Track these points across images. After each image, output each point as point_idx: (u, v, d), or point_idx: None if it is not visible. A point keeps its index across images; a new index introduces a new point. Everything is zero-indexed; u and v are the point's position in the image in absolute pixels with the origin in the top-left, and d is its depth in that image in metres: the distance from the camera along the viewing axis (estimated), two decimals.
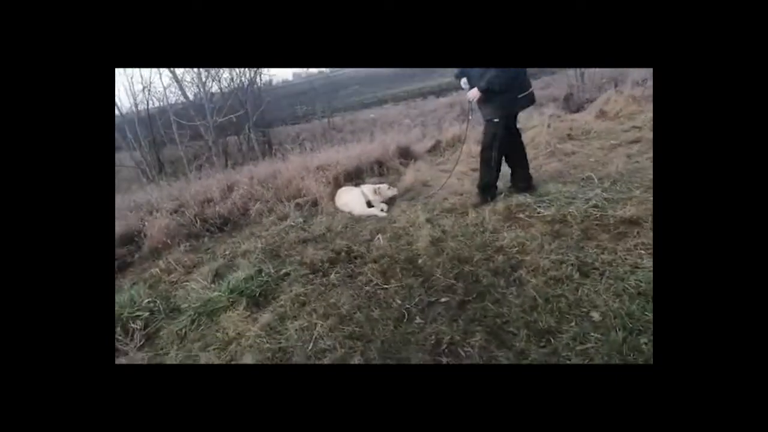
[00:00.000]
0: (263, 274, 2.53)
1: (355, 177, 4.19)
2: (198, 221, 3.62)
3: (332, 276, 2.44)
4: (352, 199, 3.52)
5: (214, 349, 1.98)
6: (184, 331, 2.17)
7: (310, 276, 2.47)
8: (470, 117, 3.50)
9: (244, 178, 4.48)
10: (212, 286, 2.52)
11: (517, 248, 2.36)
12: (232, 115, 8.22)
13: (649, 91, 5.44)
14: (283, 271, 2.57)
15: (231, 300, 2.30)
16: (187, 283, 2.63)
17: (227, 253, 3.05)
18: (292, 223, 3.36)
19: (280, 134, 13.29)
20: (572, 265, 2.07)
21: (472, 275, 2.18)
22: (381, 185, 3.55)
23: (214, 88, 9.51)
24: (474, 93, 2.90)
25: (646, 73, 6.40)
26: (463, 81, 3.02)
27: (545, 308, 1.79)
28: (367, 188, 3.52)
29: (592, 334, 1.60)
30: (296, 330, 1.96)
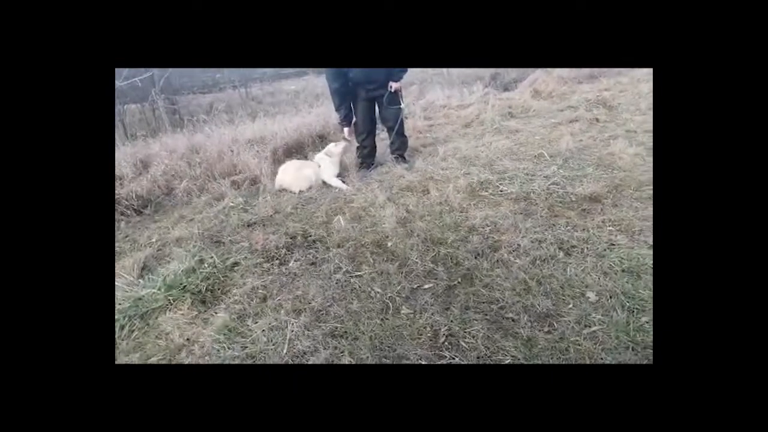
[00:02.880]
0: (206, 265, 2.14)
1: (296, 152, 3.82)
2: None
3: (292, 264, 2.14)
4: (310, 173, 3.18)
5: (158, 360, 1.60)
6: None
7: (266, 265, 2.14)
8: (403, 104, 3.37)
9: (162, 152, 3.85)
10: (141, 281, 2.07)
11: (490, 227, 2.27)
12: (136, 78, 7.08)
13: (576, 72, 5.76)
14: (231, 260, 2.20)
15: (170, 298, 1.90)
16: None
17: (154, 241, 2.55)
18: (232, 204, 2.93)
19: (190, 103, 11.99)
20: (552, 243, 2.03)
21: (450, 258, 2.04)
22: (328, 147, 3.30)
23: None
24: (397, 85, 3.21)
25: None
26: (346, 130, 3.38)
27: (539, 290, 1.72)
28: (319, 157, 3.22)
29: (594, 315, 1.55)
30: (263, 331, 1.65)
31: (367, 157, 3.48)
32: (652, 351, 1.32)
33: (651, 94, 4.70)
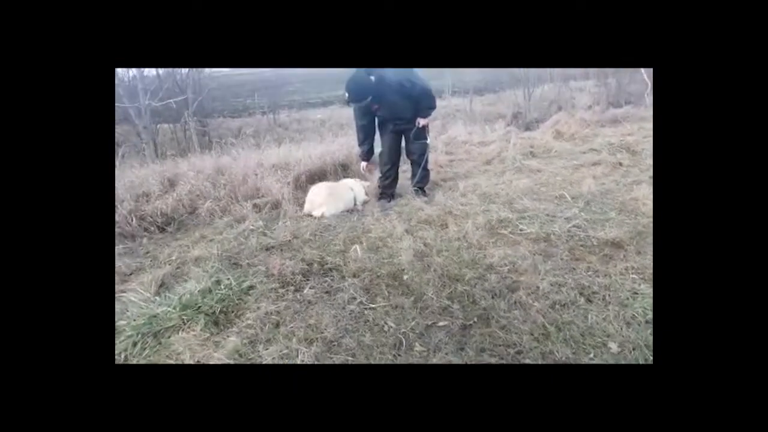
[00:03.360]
0: (222, 286, 2.15)
1: (319, 179, 3.88)
2: (134, 218, 3.09)
3: (306, 291, 2.13)
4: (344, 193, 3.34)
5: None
6: (123, 355, 1.74)
7: (280, 290, 2.14)
8: (428, 140, 3.44)
9: (189, 171, 3.97)
10: (157, 299, 2.09)
11: (508, 267, 2.23)
12: (171, 100, 7.40)
13: (599, 116, 5.77)
14: (247, 283, 2.20)
15: (184, 318, 1.91)
16: (124, 294, 2.17)
17: (173, 258, 2.60)
18: (252, 227, 2.97)
19: (220, 126, 12.43)
20: (572, 288, 1.98)
21: (467, 296, 2.00)
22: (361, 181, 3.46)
23: (149, 68, 8.56)
24: (425, 121, 3.25)
25: (592, 100, 6.80)
26: (364, 164, 3.54)
27: (558, 336, 1.66)
28: (352, 182, 3.39)
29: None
30: (273, 359, 1.64)
31: (388, 188, 3.52)
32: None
33: None
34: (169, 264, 2.51)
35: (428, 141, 3.38)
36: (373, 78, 3.00)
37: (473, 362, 1.56)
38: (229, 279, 2.21)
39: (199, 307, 1.96)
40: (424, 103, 3.19)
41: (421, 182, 3.52)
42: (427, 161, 3.45)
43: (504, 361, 1.56)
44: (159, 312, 1.96)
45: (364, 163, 3.51)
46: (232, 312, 1.98)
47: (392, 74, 3.04)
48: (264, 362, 1.62)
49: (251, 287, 2.18)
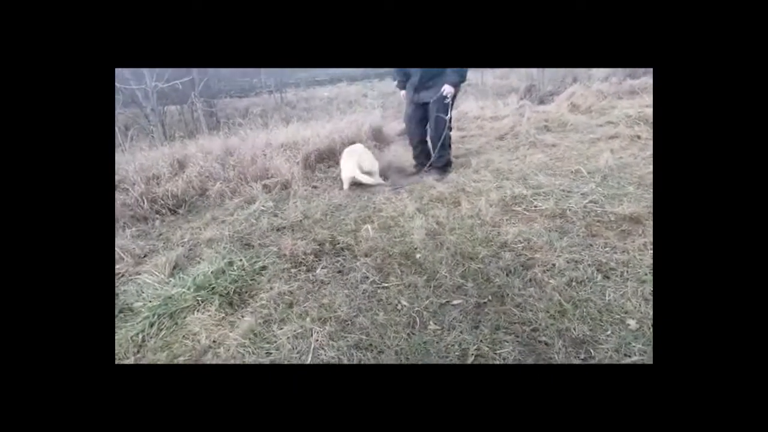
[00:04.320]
0: (235, 267, 2.16)
1: (327, 158, 3.84)
2: (145, 201, 3.10)
3: (319, 271, 2.13)
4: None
5: (184, 360, 1.61)
6: (141, 336, 1.76)
7: (293, 270, 2.14)
8: (451, 111, 3.28)
9: (198, 153, 3.95)
10: (171, 280, 2.11)
11: (523, 244, 2.19)
12: (177, 81, 7.34)
13: (617, 87, 5.57)
14: (259, 263, 2.21)
15: (199, 299, 1.92)
16: (139, 277, 2.19)
17: (186, 240, 2.60)
18: (263, 208, 2.96)
19: (227, 107, 12.35)
20: (589, 265, 1.94)
21: (481, 273, 1.97)
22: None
23: None
24: (450, 89, 3.12)
25: (608, 71, 6.55)
26: (402, 93, 3.52)
27: (575, 314, 1.63)
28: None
29: (634, 344, 1.45)
30: (288, 338, 1.64)
31: (417, 159, 3.59)
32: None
33: None
34: (182, 246, 2.51)
35: (447, 117, 3.24)
36: None
37: (488, 340, 1.54)
38: (241, 260, 2.21)
39: (213, 287, 1.97)
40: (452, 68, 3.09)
41: (437, 162, 3.42)
42: (445, 138, 3.34)
43: (519, 339, 1.54)
44: (174, 293, 1.98)
45: (402, 92, 3.53)
46: (246, 292, 1.98)
47: None
48: (279, 342, 1.63)
49: (264, 268, 2.18)
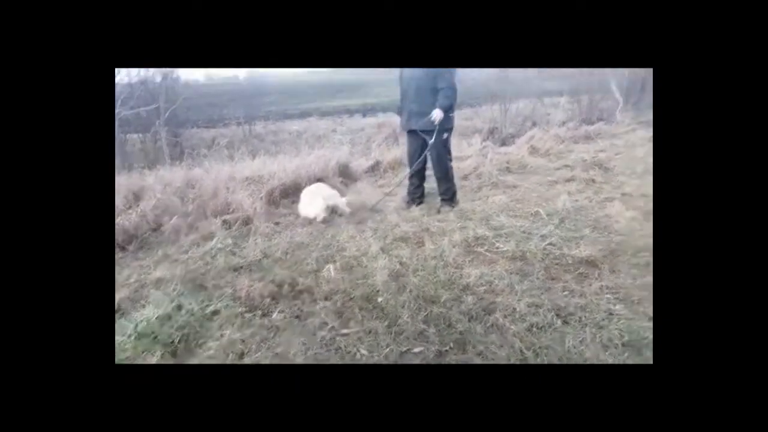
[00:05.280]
0: (184, 312, 2.02)
1: (292, 193, 3.78)
2: None
3: (275, 315, 2.02)
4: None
5: None
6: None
7: (247, 315, 2.02)
8: (432, 140, 3.34)
9: (156, 185, 3.80)
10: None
11: (485, 287, 2.18)
12: (142, 108, 7.17)
13: (573, 132, 5.88)
14: (211, 308, 2.08)
15: (139, 348, 1.77)
16: None
17: (132, 281, 2.43)
18: (220, 245, 2.83)
19: (193, 137, 12.13)
20: (549, 310, 1.94)
21: (443, 318, 1.94)
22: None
23: (119, 74, 8.27)
24: (439, 114, 3.18)
25: (565, 116, 6.94)
26: (401, 120, 3.54)
27: (536, 362, 1.61)
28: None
29: None
30: None
31: (411, 194, 3.61)
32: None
33: (645, 157, 4.78)
34: (127, 287, 2.35)
35: (430, 141, 3.32)
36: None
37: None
38: (191, 304, 2.08)
39: (157, 336, 1.83)
40: (444, 92, 3.18)
41: (445, 194, 3.49)
42: (446, 171, 3.44)
43: None
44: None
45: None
46: (194, 341, 1.85)
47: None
48: None
49: (216, 312, 2.05)
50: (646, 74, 9.25)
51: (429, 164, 3.56)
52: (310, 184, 3.95)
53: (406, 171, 3.66)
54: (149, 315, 1.92)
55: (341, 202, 3.46)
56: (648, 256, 2.39)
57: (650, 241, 2.58)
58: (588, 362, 1.59)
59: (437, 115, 3.19)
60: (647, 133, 6.47)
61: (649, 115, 8.07)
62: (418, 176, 3.56)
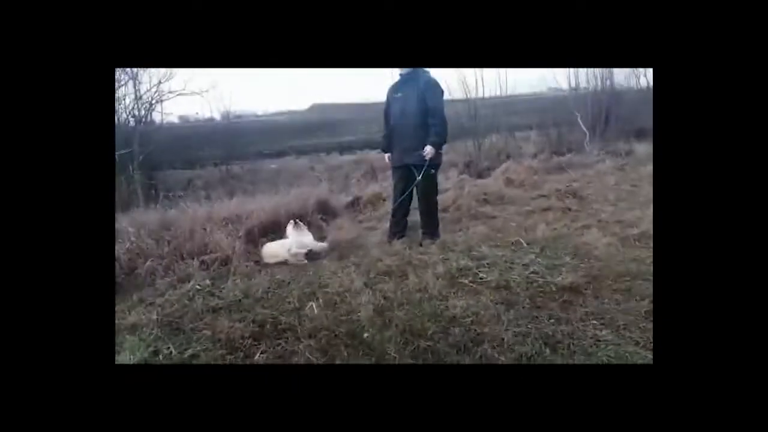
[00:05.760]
0: (161, 357, 1.92)
1: (271, 232, 3.73)
2: None
3: (257, 357, 1.94)
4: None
5: None
6: None
7: (228, 358, 1.93)
8: (420, 176, 3.39)
9: (129, 228, 3.69)
10: None
11: (471, 318, 2.16)
12: (115, 153, 7.08)
13: (545, 164, 6.10)
14: (190, 351, 1.98)
15: None
16: None
17: None
18: (198, 287, 2.74)
19: (168, 179, 11.98)
20: (537, 339, 1.93)
21: (431, 352, 1.89)
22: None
23: None
24: (430, 150, 3.21)
25: (536, 148, 7.21)
26: (387, 156, 3.61)
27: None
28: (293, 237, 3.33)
29: None
30: None
31: (393, 227, 3.58)
32: None
33: (617, 186, 4.98)
34: None
35: (418, 177, 3.33)
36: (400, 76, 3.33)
37: None
38: (169, 348, 1.98)
39: None
40: (434, 128, 3.21)
41: (427, 228, 3.51)
42: (431, 206, 3.49)
43: None
44: None
45: (387, 155, 3.63)
46: None
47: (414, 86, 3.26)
48: None
49: (194, 356, 1.95)
50: (609, 104, 9.76)
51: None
52: (289, 221, 3.93)
53: (390, 204, 3.70)
54: (124, 362, 1.81)
55: (316, 246, 3.43)
56: (629, 281, 2.44)
57: (630, 266, 2.67)
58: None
59: (429, 151, 3.22)
60: (615, 162, 6.78)
61: (617, 146, 8.49)
62: (402, 211, 3.57)
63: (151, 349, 1.96)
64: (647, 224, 3.31)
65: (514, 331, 1.99)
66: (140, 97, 9.08)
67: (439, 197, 4.98)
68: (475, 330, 2.05)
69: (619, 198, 4.40)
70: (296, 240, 3.34)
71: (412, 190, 3.47)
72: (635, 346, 1.81)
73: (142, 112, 8.95)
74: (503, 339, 1.94)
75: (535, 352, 1.83)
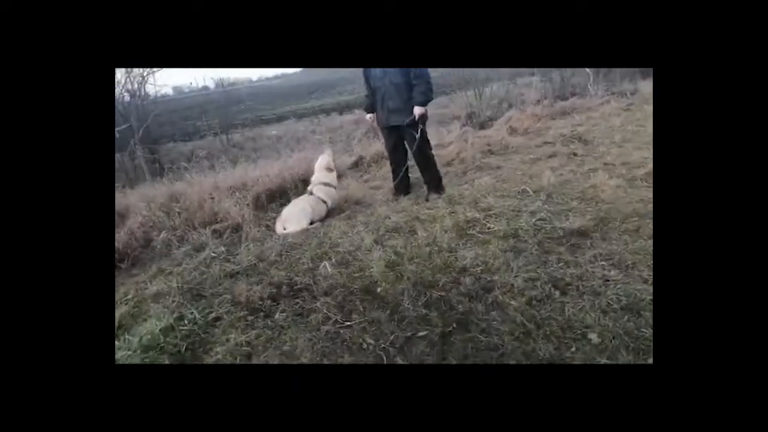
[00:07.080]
0: (186, 321, 2.01)
1: (279, 197, 3.76)
2: None
3: (277, 316, 2.03)
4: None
5: None
6: None
7: (250, 318, 2.02)
8: (419, 135, 3.35)
9: (140, 203, 3.74)
10: (116, 343, 1.92)
11: (481, 267, 2.21)
12: (115, 129, 7.03)
13: (549, 109, 5.97)
14: (213, 314, 2.07)
15: (147, 360, 1.76)
16: None
17: (130, 297, 2.40)
18: (213, 254, 2.81)
19: (171, 152, 11.94)
20: (546, 282, 1.98)
21: (444, 302, 1.96)
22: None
23: None
24: (419, 110, 3.22)
25: (539, 95, 7.02)
26: (369, 116, 3.66)
27: (539, 333, 1.65)
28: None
29: (599, 359, 1.48)
30: None
31: (397, 187, 3.62)
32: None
33: (622, 127, 4.88)
34: (126, 303, 2.32)
35: (417, 135, 3.33)
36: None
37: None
38: (192, 313, 2.07)
39: (162, 347, 1.82)
40: (419, 87, 3.19)
41: (430, 182, 3.53)
42: (427, 159, 3.49)
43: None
44: (119, 357, 1.80)
45: (369, 116, 3.66)
46: (200, 347, 1.84)
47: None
48: None
49: (218, 319, 2.05)
50: None
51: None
52: (297, 185, 3.94)
53: (388, 164, 3.72)
54: (152, 328, 1.91)
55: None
56: (637, 221, 2.46)
57: (638, 206, 2.68)
58: (587, 331, 1.63)
59: (418, 111, 3.23)
60: (620, 103, 6.61)
61: (622, 86, 8.24)
62: (401, 169, 3.59)
63: (175, 315, 2.05)
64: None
65: (524, 277, 2.04)
66: (131, 70, 8.87)
67: (442, 151, 4.98)
68: (486, 278, 2.11)
69: (624, 139, 4.33)
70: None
71: (405, 148, 3.51)
72: (644, 284, 1.86)
73: (135, 85, 8.74)
74: (513, 285, 2.00)
75: (545, 295, 1.89)
